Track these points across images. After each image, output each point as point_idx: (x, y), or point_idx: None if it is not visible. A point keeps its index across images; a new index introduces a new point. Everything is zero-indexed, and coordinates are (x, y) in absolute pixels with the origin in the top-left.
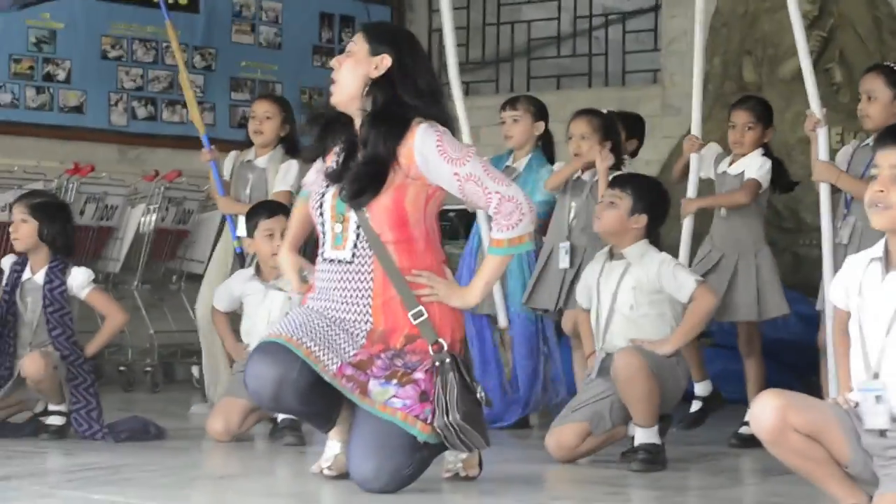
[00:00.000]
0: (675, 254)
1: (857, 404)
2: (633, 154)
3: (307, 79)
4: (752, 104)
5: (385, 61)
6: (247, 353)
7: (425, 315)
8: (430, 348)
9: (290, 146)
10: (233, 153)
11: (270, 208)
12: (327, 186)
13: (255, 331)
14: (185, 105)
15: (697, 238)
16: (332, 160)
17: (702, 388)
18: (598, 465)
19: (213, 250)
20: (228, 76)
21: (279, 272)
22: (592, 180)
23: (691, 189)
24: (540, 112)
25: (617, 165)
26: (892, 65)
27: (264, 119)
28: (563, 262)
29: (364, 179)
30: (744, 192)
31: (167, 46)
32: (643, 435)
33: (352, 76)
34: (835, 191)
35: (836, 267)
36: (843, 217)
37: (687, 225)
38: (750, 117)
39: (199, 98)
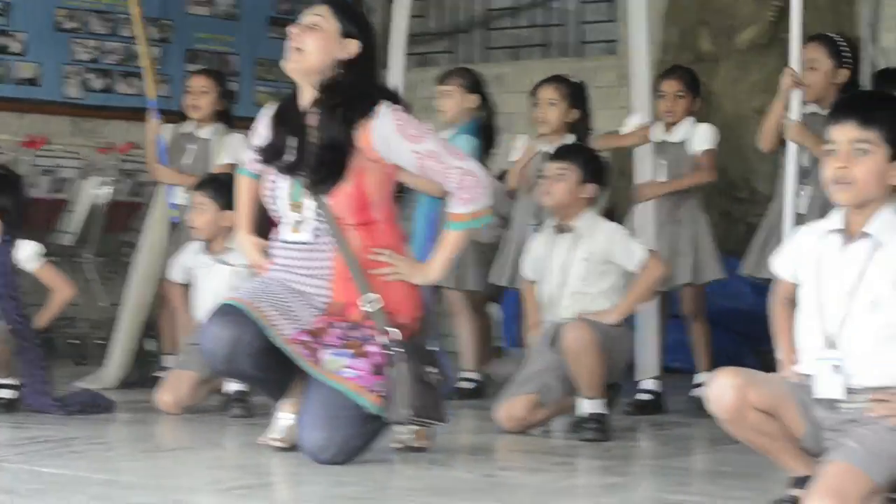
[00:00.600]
0: None
1: (806, 376)
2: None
3: (264, 50)
4: (681, 73)
5: (354, 47)
6: (194, 325)
7: (379, 304)
8: (383, 336)
9: (226, 120)
10: (168, 126)
11: (200, 183)
12: (280, 174)
13: (201, 305)
14: (140, 77)
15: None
16: (268, 136)
17: (654, 385)
18: (547, 436)
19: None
20: (185, 48)
21: (226, 245)
22: None
23: (649, 172)
24: (473, 85)
25: (583, 136)
26: (833, 35)
27: (200, 93)
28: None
29: (326, 168)
30: (708, 170)
31: (123, 18)
32: (590, 405)
33: (320, 52)
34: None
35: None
36: (801, 186)
37: (644, 211)
38: (680, 86)
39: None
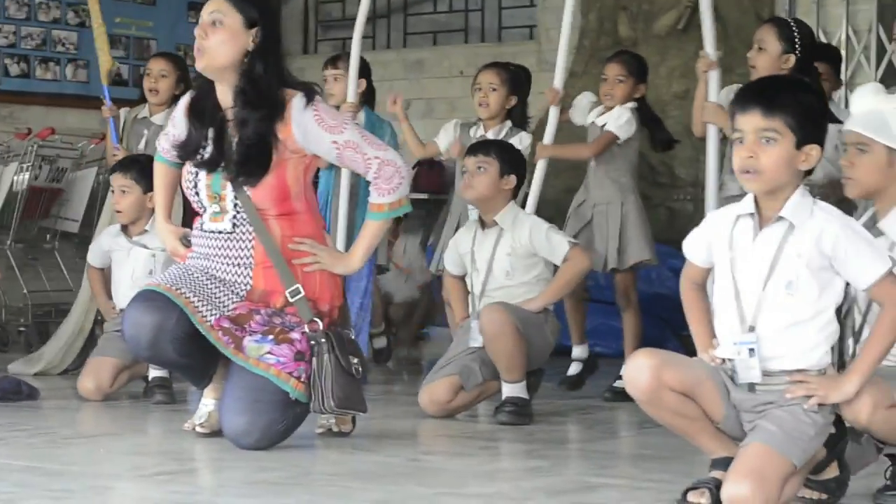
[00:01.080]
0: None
1: (724, 360)
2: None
3: (182, 35)
4: (625, 58)
5: (259, 34)
6: (114, 311)
7: (301, 294)
8: (305, 326)
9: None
10: (123, 110)
11: (123, 165)
12: (200, 169)
13: (119, 288)
14: (58, 62)
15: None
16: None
17: (580, 351)
18: (470, 420)
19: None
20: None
21: (145, 229)
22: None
23: (548, 136)
24: (362, 70)
25: (520, 122)
26: (788, 19)
27: (159, 77)
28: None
29: (252, 161)
30: (593, 145)
31: (40, 3)
32: (510, 389)
33: (228, 49)
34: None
35: None
36: (730, 170)
37: (540, 166)
38: (621, 70)
39: (72, 55)
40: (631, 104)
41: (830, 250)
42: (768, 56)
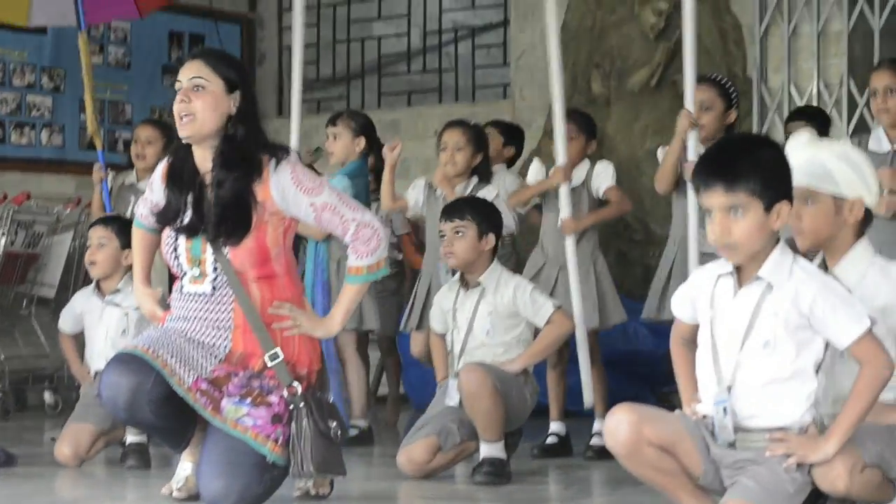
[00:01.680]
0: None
1: (705, 416)
2: (511, 162)
3: (157, 98)
4: (575, 116)
5: (239, 98)
6: (90, 376)
7: (280, 358)
8: (285, 390)
9: None
10: (110, 175)
11: (104, 220)
12: (179, 235)
13: (94, 349)
14: (33, 127)
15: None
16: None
17: (557, 427)
18: (448, 481)
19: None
20: (78, 97)
21: (116, 286)
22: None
23: (565, 211)
24: (362, 128)
25: (486, 178)
26: (720, 77)
27: (146, 144)
28: (446, 279)
29: (230, 221)
30: (624, 200)
31: (14, 68)
32: (488, 449)
33: (213, 114)
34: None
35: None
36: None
37: (570, 242)
38: (571, 128)
39: (47, 121)
40: (586, 161)
41: (808, 310)
42: (715, 114)
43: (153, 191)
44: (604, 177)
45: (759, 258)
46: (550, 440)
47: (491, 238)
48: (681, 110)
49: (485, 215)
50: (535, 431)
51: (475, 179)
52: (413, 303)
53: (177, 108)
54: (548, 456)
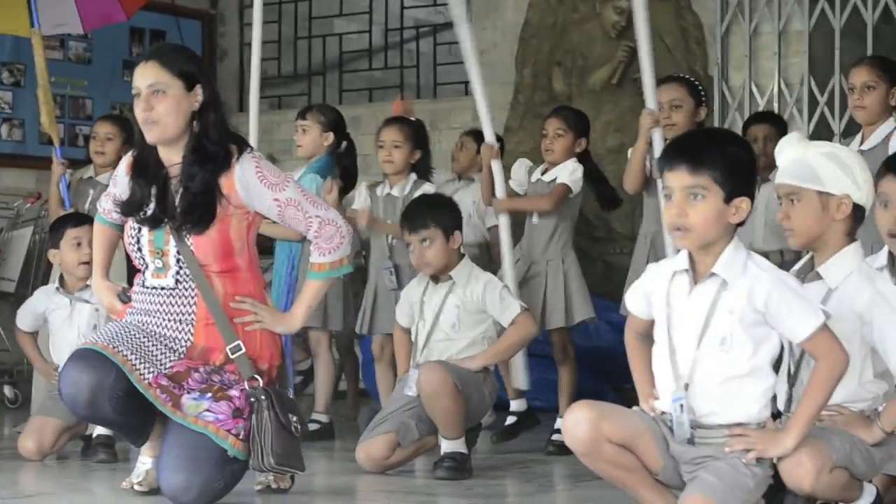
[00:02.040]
0: None
1: (663, 413)
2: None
3: (118, 94)
4: (564, 113)
5: (200, 93)
6: (56, 372)
7: (242, 350)
8: (245, 384)
9: None
10: (68, 171)
11: (77, 218)
12: (143, 226)
13: (63, 346)
14: None
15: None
16: (129, 188)
17: (516, 405)
18: (408, 475)
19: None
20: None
21: (84, 283)
22: (403, 195)
23: (500, 190)
24: (331, 123)
25: (425, 175)
26: (688, 76)
27: (105, 140)
28: (391, 283)
29: (197, 210)
30: (549, 197)
31: None
32: (449, 444)
33: (176, 117)
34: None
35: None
36: None
37: (503, 222)
38: (560, 125)
39: (7, 115)
40: (573, 159)
41: (762, 306)
42: (685, 112)
43: (117, 184)
44: (564, 173)
45: (712, 252)
46: (509, 420)
47: (457, 235)
48: (642, 109)
49: (446, 215)
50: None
51: (413, 177)
52: (364, 307)
53: (139, 115)
54: (510, 437)
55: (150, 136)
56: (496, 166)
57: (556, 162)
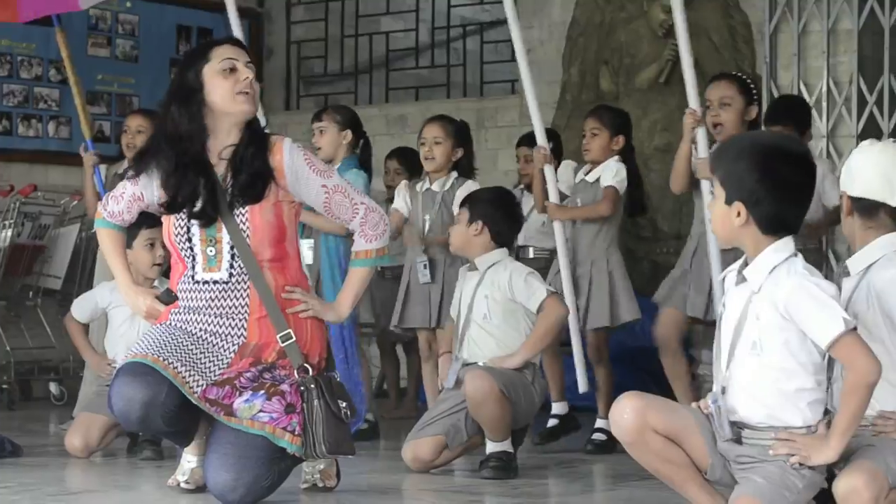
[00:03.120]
0: None
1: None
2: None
3: (165, 92)
4: (599, 112)
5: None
6: (111, 367)
7: (293, 339)
8: (295, 372)
9: None
10: (102, 166)
11: (152, 219)
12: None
13: (122, 344)
14: (40, 119)
15: None
16: (174, 183)
17: (559, 408)
18: (454, 475)
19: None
20: (85, 90)
21: (150, 284)
22: (442, 190)
23: (553, 195)
24: (347, 121)
25: (467, 174)
26: (740, 74)
27: (136, 133)
28: (424, 276)
29: (257, 186)
30: (604, 203)
31: (22, 60)
32: (495, 444)
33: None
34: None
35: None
36: None
37: (558, 228)
38: (595, 124)
39: (54, 112)
40: (615, 157)
41: (785, 312)
42: (734, 111)
43: (144, 187)
44: (609, 174)
45: (753, 256)
46: (551, 422)
47: (478, 225)
48: (686, 109)
49: (477, 204)
50: (540, 425)
51: (454, 174)
52: (397, 300)
53: (245, 87)
54: (552, 439)
55: (252, 108)
56: (549, 172)
57: (595, 161)
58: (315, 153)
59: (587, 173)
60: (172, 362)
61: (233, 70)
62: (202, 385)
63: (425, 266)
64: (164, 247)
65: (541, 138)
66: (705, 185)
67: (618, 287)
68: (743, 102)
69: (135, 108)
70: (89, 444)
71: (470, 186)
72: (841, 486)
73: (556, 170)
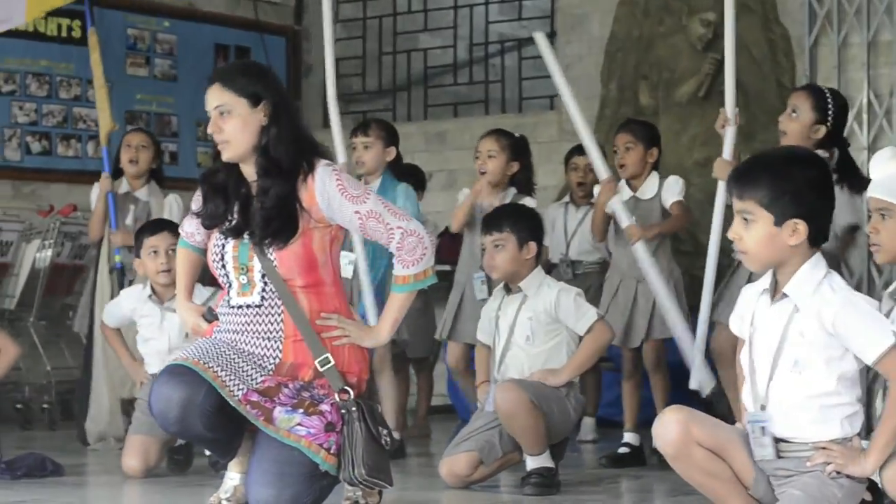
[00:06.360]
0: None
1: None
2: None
3: (203, 111)
4: (629, 126)
5: (267, 108)
6: (146, 373)
7: (331, 363)
8: (336, 395)
9: (158, 180)
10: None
11: (153, 226)
12: (226, 239)
13: (152, 354)
14: (79, 139)
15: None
16: (212, 203)
17: (631, 438)
18: (495, 491)
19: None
20: (124, 109)
21: (174, 292)
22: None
23: (624, 220)
24: (391, 137)
25: (525, 189)
26: (824, 88)
27: (140, 149)
28: (481, 292)
29: (275, 222)
30: (683, 216)
31: (61, 80)
32: (534, 460)
33: (244, 134)
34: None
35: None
36: None
37: (641, 249)
38: (628, 138)
39: (93, 132)
40: (654, 172)
41: (832, 327)
42: (800, 124)
43: (198, 203)
44: (672, 191)
45: (786, 272)
46: (622, 450)
47: (532, 246)
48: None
49: (524, 224)
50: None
51: (512, 190)
52: (446, 313)
53: (213, 137)
54: (617, 466)
55: (225, 155)
56: (618, 204)
57: (633, 175)
58: (359, 167)
59: (633, 190)
60: (213, 366)
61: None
62: (243, 389)
63: (483, 282)
64: (167, 254)
65: (603, 170)
66: (721, 186)
67: (680, 301)
68: (812, 118)
69: (173, 127)
70: (148, 465)
71: (528, 203)
72: (889, 472)
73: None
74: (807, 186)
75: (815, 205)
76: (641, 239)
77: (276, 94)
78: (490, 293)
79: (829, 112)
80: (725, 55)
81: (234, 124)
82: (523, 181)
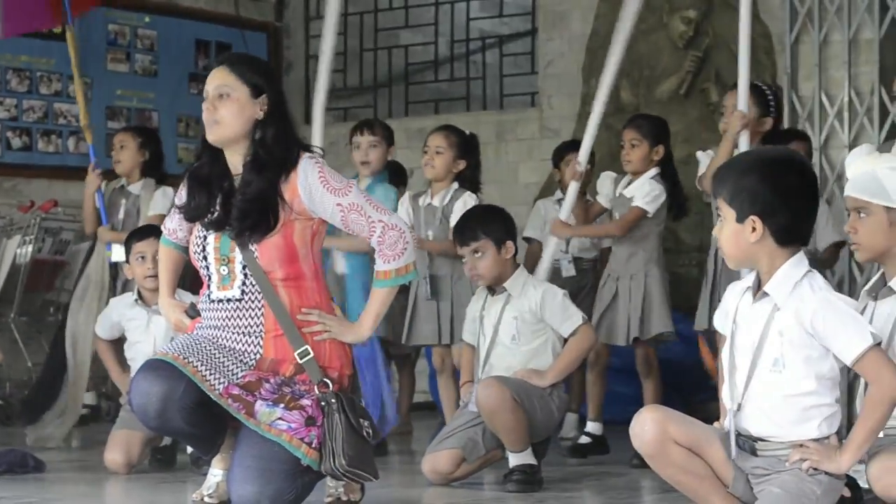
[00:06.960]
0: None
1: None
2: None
3: (183, 106)
4: (637, 122)
5: (266, 102)
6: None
7: (311, 355)
8: (315, 388)
9: (156, 174)
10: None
11: (141, 232)
12: (208, 231)
13: (140, 358)
14: (60, 135)
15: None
16: (194, 195)
17: (593, 427)
18: (478, 488)
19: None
20: (104, 105)
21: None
22: (442, 205)
23: (565, 212)
24: (391, 137)
25: (469, 186)
26: (760, 83)
27: (119, 149)
28: (425, 293)
29: (253, 215)
30: (621, 223)
31: (41, 76)
32: (517, 457)
33: (239, 120)
34: None
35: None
36: None
37: (551, 243)
38: (634, 135)
39: (74, 128)
40: (654, 170)
41: (810, 327)
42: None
43: (182, 198)
44: (638, 195)
45: (766, 271)
46: (583, 439)
47: (509, 245)
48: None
49: (496, 225)
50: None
51: (455, 186)
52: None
53: (204, 116)
54: (578, 455)
55: (211, 136)
56: (573, 187)
57: (636, 172)
58: (364, 167)
59: (627, 185)
60: (192, 361)
61: (206, 100)
62: (223, 383)
63: (427, 281)
64: (154, 259)
65: (583, 156)
66: None
67: (652, 301)
68: (756, 113)
69: (154, 123)
70: (130, 460)
71: (467, 200)
72: (874, 469)
73: (592, 183)
74: (762, 184)
75: (772, 202)
76: (563, 236)
77: (277, 92)
78: (433, 293)
79: (771, 104)
80: (740, 54)
81: (230, 107)
82: (469, 179)
